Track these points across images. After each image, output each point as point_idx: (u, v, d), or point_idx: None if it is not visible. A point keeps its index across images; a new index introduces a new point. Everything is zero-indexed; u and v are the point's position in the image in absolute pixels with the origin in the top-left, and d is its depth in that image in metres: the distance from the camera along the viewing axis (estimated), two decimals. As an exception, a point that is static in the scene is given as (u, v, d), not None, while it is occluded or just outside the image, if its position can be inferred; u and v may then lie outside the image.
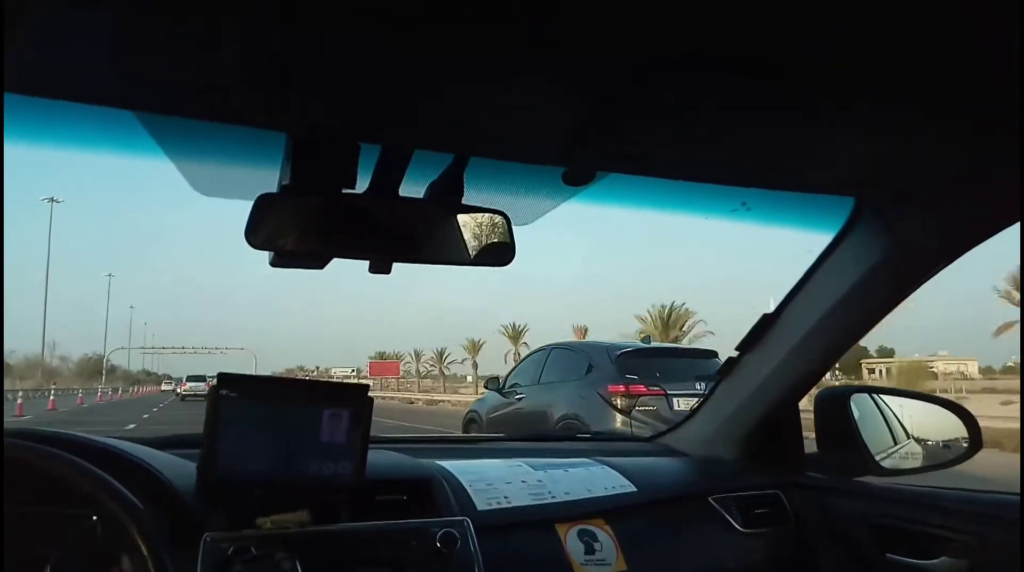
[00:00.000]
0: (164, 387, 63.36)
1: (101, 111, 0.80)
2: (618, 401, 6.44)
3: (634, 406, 6.34)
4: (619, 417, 6.29)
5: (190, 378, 39.33)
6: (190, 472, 1.02)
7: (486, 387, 9.19)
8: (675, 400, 6.37)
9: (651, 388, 6.39)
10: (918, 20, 0.68)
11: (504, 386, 8.27)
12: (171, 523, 0.94)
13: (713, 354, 7.19)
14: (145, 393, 58.47)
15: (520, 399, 7.75)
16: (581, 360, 7.15)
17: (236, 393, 0.96)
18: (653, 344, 8.24)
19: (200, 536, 0.92)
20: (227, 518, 0.97)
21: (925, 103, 0.86)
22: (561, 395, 7.04)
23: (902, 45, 0.73)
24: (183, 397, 36.62)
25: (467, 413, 9.25)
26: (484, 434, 5.79)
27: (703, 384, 5.98)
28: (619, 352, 6.88)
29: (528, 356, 8.60)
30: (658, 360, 6.98)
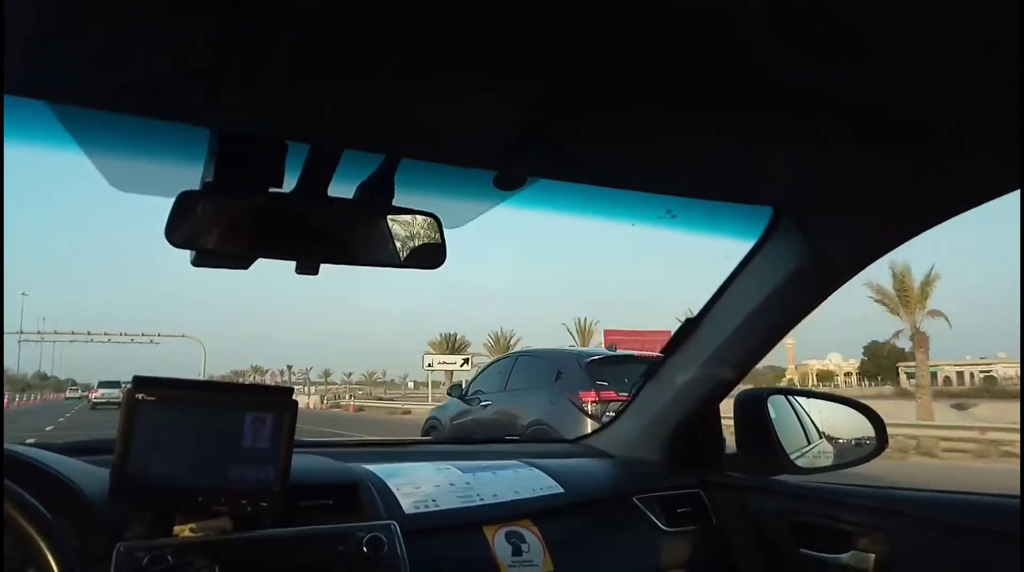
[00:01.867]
0: (69, 394, 57.00)
1: (12, 100, 0.76)
2: (589, 407, 6.58)
3: (605, 411, 6.40)
4: (590, 422, 6.30)
5: (103, 384, 36.81)
6: (102, 479, 0.98)
7: (449, 394, 9.23)
8: None
9: (620, 393, 6.39)
10: (839, 39, 0.71)
11: (467, 393, 8.32)
12: (82, 533, 0.90)
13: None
14: (38, 402, 47.96)
15: (485, 406, 7.81)
16: (549, 367, 7.29)
17: (153, 396, 0.92)
18: (619, 352, 8.40)
19: (113, 545, 0.89)
20: (143, 527, 0.93)
21: (841, 120, 0.90)
22: (529, 402, 7.14)
23: (822, 63, 0.76)
24: (94, 405, 34.17)
25: (427, 420, 9.19)
26: (412, 437, 5.97)
27: None
28: (588, 359, 7.06)
29: (492, 363, 8.69)
30: (626, 366, 7.06)
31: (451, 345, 53.23)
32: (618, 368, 6.96)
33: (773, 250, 1.39)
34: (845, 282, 1.37)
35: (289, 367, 75.93)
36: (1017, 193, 1.04)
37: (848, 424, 1.61)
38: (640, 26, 0.68)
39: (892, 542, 1.27)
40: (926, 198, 1.15)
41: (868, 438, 1.59)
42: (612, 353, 8.05)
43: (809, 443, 1.65)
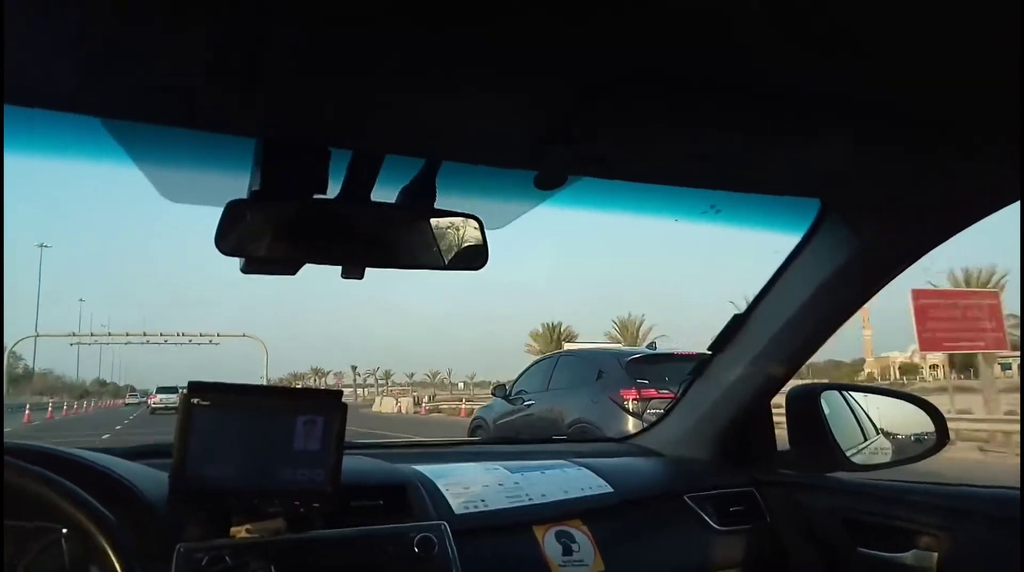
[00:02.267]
0: (128, 400, 58.68)
1: (65, 117, 0.79)
2: (630, 405, 6.71)
3: (645, 409, 6.56)
4: (631, 420, 6.49)
5: (161, 389, 37.66)
6: (162, 482, 1.01)
7: (493, 394, 9.42)
8: None
9: (661, 392, 6.57)
10: (883, 34, 0.70)
11: (511, 393, 8.46)
12: (143, 534, 0.93)
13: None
14: (90, 410, 45.89)
15: (529, 405, 7.96)
16: (590, 367, 7.43)
17: (208, 401, 0.95)
18: (659, 350, 8.35)
19: (173, 547, 0.91)
20: (200, 528, 0.96)
21: (888, 113, 0.88)
22: (572, 401, 7.28)
23: (866, 59, 0.75)
24: (153, 410, 34.93)
25: (473, 419, 9.43)
26: (460, 438, 6.14)
27: None
28: (629, 358, 7.18)
29: (534, 364, 8.81)
30: (666, 365, 7.11)
31: (555, 336, 49.35)
32: (658, 366, 7.05)
33: (821, 244, 1.36)
34: (897, 275, 1.33)
35: (354, 368, 75.99)
36: None
37: (906, 419, 1.57)
38: (679, 22, 0.67)
39: (956, 541, 1.23)
40: (975, 190, 1.12)
41: (928, 433, 1.54)
42: (652, 352, 8.06)
43: (865, 439, 1.61)
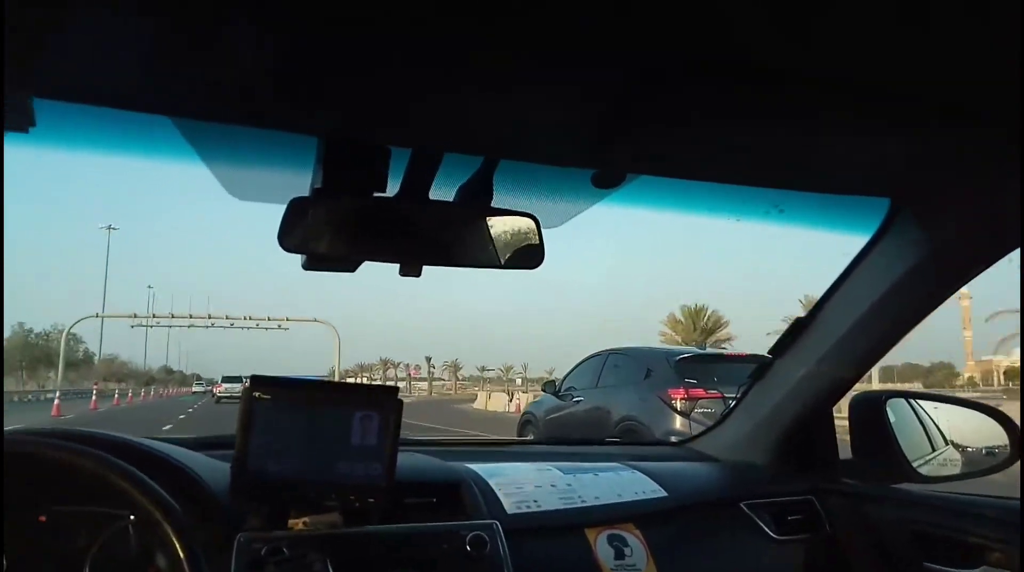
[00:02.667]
0: (195, 389, 59.61)
1: (136, 116, 0.82)
2: (677, 404, 6.82)
3: (693, 409, 6.69)
4: (678, 419, 6.65)
5: (226, 379, 38.09)
6: (224, 473, 1.03)
7: (543, 390, 9.57)
8: (732, 403, 6.07)
9: (709, 392, 6.71)
10: (950, 29, 0.68)
11: (560, 390, 8.61)
12: (205, 523, 0.96)
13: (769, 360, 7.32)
14: (151, 398, 45.12)
15: (577, 402, 8.07)
16: (639, 365, 7.54)
17: (269, 395, 0.97)
18: (708, 350, 8.72)
19: (234, 536, 0.93)
20: (260, 519, 0.98)
21: (961, 108, 0.85)
22: (620, 398, 7.41)
23: (937, 53, 0.73)
24: (219, 399, 34.97)
25: (523, 415, 9.64)
26: (512, 437, 6.22)
27: None
28: (677, 358, 7.26)
29: (584, 361, 8.78)
30: (715, 365, 7.26)
31: (699, 324, 43.38)
32: (707, 366, 7.17)
33: (891, 244, 1.31)
34: (970, 279, 1.27)
35: (428, 359, 75.85)
36: None
37: (978, 430, 1.50)
38: (738, 10, 0.66)
39: None
40: None
41: (1001, 446, 1.47)
42: (701, 352, 8.25)
43: (933, 450, 1.55)
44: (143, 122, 0.84)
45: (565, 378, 8.90)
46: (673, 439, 5.19)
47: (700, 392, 6.78)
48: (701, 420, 6.45)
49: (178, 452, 1.11)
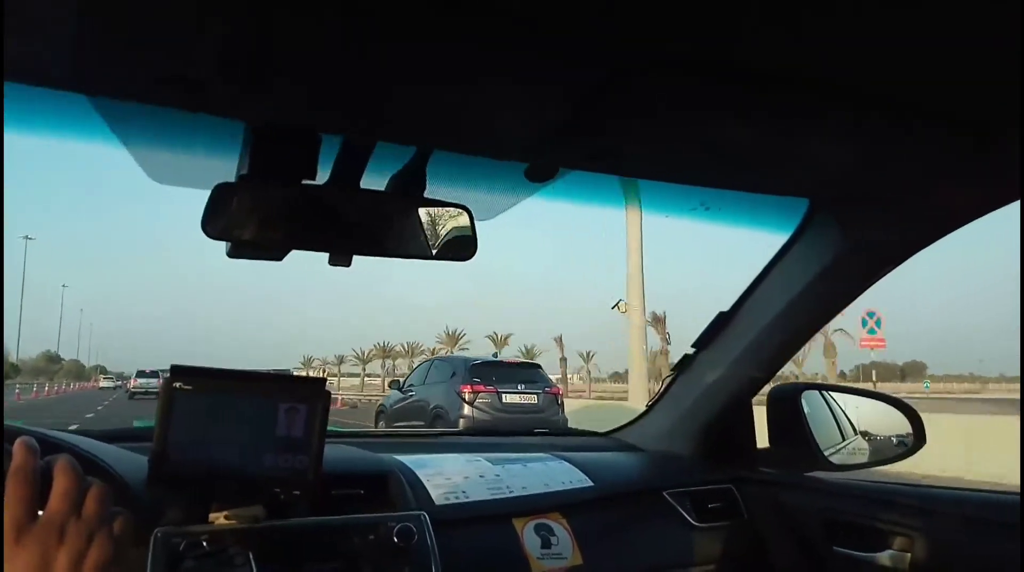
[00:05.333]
0: (103, 384, 55.02)
1: (53, 94, 0.78)
2: (466, 396, 10.24)
3: (476, 399, 10.24)
4: (466, 407, 10.17)
5: (140, 374, 36.77)
6: (140, 466, 1.00)
7: (390, 386, 13.51)
8: (503, 395, 10.52)
9: (487, 387, 10.39)
10: (875, 27, 0.70)
11: (403, 385, 12.15)
12: None
13: (536, 366, 12.09)
14: (66, 393, 44.11)
15: (412, 395, 11.53)
16: (449, 369, 11.15)
17: (190, 385, 0.94)
18: (490, 358, 12.92)
19: (151, 531, 0.90)
20: (179, 513, 0.95)
21: (878, 108, 0.88)
22: (435, 392, 10.90)
23: (857, 52, 0.75)
24: (132, 395, 34.24)
25: (379, 405, 13.05)
26: (442, 429, 7.24)
27: (523, 385, 10.82)
28: (471, 364, 10.93)
29: (420, 365, 12.82)
30: (494, 369, 11.02)
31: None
32: (488, 369, 10.88)
33: (809, 243, 1.37)
34: (882, 277, 1.34)
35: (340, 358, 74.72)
36: None
37: (885, 421, 1.58)
38: (667, 12, 0.67)
39: (930, 542, 1.24)
40: (966, 191, 1.12)
41: (906, 435, 1.55)
42: (486, 359, 12.39)
43: (844, 440, 1.63)
44: (58, 100, 0.80)
45: (407, 377, 12.51)
46: (462, 421, 8.60)
47: (480, 387, 10.31)
48: (480, 407, 10.21)
49: (87, 443, 1.07)
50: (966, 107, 0.87)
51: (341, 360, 74.07)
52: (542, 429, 1.96)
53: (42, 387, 45.23)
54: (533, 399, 10.78)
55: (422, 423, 10.72)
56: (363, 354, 70.11)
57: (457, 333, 63.69)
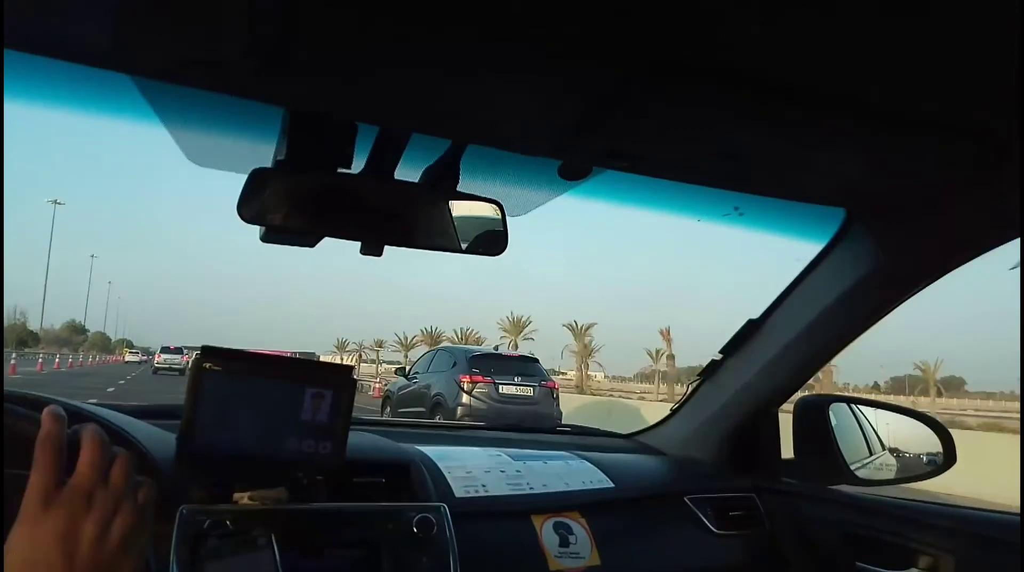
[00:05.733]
0: (128, 358, 55.50)
1: (99, 73, 0.79)
2: (465, 386, 10.87)
3: (473, 389, 10.87)
4: (464, 396, 10.83)
5: (165, 350, 36.95)
6: (167, 443, 1.01)
7: (396, 373, 14.59)
8: (500, 386, 11.10)
9: (485, 378, 11.02)
10: (914, 43, 0.70)
11: (409, 373, 12.97)
12: None
13: (533, 360, 12.59)
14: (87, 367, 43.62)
15: (416, 383, 12.25)
16: (451, 358, 11.80)
17: (219, 367, 0.95)
18: (489, 350, 13.80)
19: (176, 508, 0.92)
20: (204, 491, 0.96)
21: (918, 121, 0.87)
22: (438, 381, 11.53)
23: (898, 66, 0.75)
24: (156, 370, 34.42)
25: (385, 390, 13.95)
26: (464, 422, 7.37)
27: (519, 377, 11.40)
28: (471, 355, 11.68)
29: (424, 354, 13.82)
30: (492, 361, 11.69)
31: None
32: (487, 361, 11.56)
33: (843, 254, 1.35)
34: (918, 291, 1.31)
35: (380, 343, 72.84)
36: None
37: (915, 438, 1.55)
38: (704, 17, 0.67)
39: (956, 563, 1.22)
40: (1008, 205, 1.09)
41: (936, 453, 1.52)
42: (485, 350, 13.33)
43: (871, 454, 1.60)
44: (103, 79, 0.81)
45: (414, 365, 13.36)
46: (460, 409, 9.26)
47: (479, 378, 10.95)
48: (477, 396, 10.86)
49: (121, 418, 1.09)
50: (1000, 120, 0.85)
51: (381, 345, 72.07)
52: (565, 427, 1.96)
53: (64, 359, 44.35)
54: (529, 391, 11.48)
55: (423, 409, 11.48)
56: (407, 339, 66.53)
57: (523, 320, 60.16)
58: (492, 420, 7.72)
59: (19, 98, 0.92)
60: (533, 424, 2.02)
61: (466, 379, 10.90)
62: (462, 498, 1.22)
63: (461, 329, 62.15)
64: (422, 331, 66.71)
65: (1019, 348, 1.13)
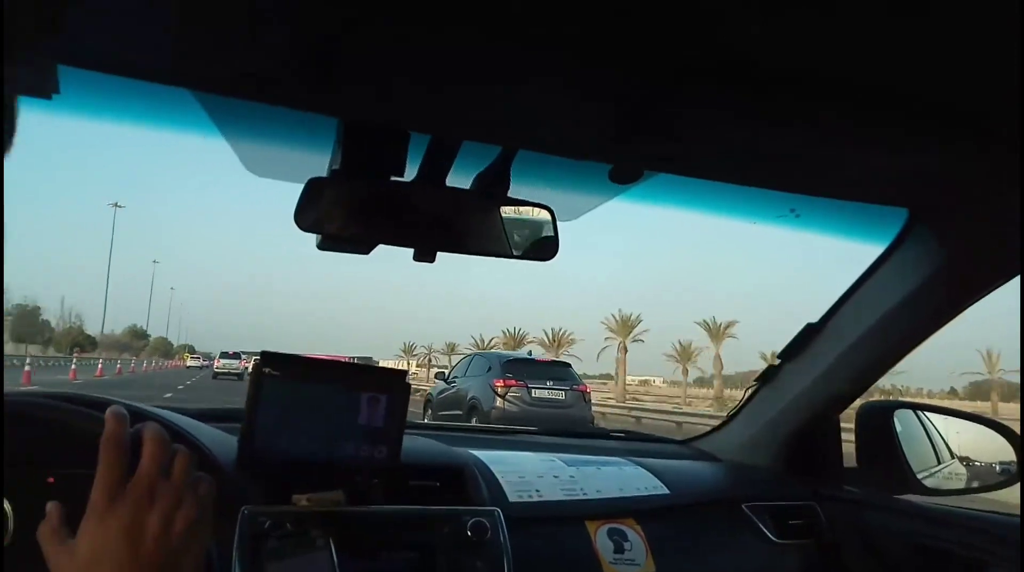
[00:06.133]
0: (190, 362, 57.46)
1: (159, 88, 0.82)
2: (499, 390, 11.36)
3: (507, 393, 11.33)
4: (498, 399, 11.30)
5: (224, 355, 38.29)
6: (228, 445, 1.04)
7: (436, 378, 15.09)
8: (532, 390, 11.50)
9: (518, 382, 11.48)
10: (976, 41, 0.67)
11: (448, 378, 13.42)
12: None
13: (565, 365, 13.33)
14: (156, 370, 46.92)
15: (454, 387, 12.67)
16: (487, 364, 12.28)
17: (278, 372, 0.97)
18: (529, 356, 14.26)
19: (238, 509, 0.94)
20: (264, 493, 0.99)
21: (983, 121, 0.84)
22: (473, 385, 12.04)
23: (962, 64, 0.72)
24: (216, 375, 35.53)
25: (427, 395, 14.13)
26: (518, 426, 7.19)
27: (552, 382, 11.77)
28: (505, 360, 12.30)
29: (463, 359, 14.07)
30: (525, 366, 12.22)
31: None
32: (520, 366, 12.07)
33: (906, 255, 1.31)
34: (984, 295, 1.26)
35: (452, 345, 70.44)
36: None
37: (987, 446, 1.49)
38: (760, 19, 0.66)
39: None
40: None
41: (1009, 462, 1.46)
42: (519, 356, 14.13)
43: (939, 462, 1.54)
44: (165, 95, 0.85)
45: (452, 369, 13.89)
46: (494, 412, 9.46)
47: (512, 382, 11.42)
48: (510, 400, 11.29)
49: (184, 421, 1.12)
50: None
51: (452, 349, 70.54)
52: (619, 432, 1.94)
53: (127, 364, 46.34)
54: (560, 395, 11.84)
55: (461, 412, 11.98)
56: (484, 343, 63.79)
57: (632, 319, 56.24)
58: (524, 423, 7.74)
59: (88, 114, 0.96)
60: (567, 428, 2.02)
61: (500, 383, 11.41)
62: (515, 503, 1.22)
63: (552, 330, 61.45)
64: (504, 332, 65.97)
65: (1020, 347, 1.08)
